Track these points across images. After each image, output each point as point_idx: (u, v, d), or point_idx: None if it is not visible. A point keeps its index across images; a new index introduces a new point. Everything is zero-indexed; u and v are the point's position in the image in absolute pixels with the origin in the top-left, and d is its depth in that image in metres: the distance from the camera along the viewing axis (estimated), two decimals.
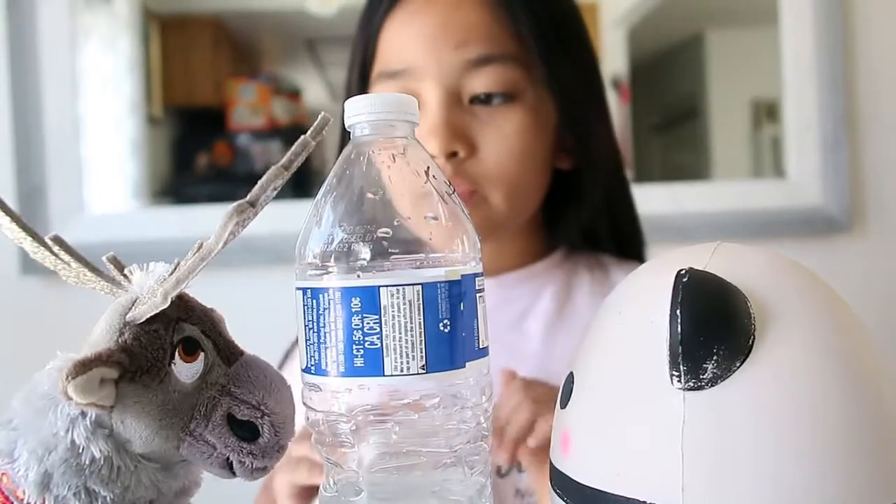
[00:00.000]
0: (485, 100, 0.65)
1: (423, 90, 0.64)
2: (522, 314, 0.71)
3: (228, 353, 0.35)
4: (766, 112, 1.38)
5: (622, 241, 0.76)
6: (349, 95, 0.69)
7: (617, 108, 1.36)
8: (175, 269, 0.33)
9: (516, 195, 0.67)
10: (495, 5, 0.66)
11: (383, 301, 0.34)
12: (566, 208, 0.74)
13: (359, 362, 0.34)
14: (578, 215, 0.73)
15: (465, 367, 0.36)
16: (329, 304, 0.35)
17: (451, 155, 0.63)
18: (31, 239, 0.35)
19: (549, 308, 0.71)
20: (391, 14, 0.67)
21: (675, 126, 1.42)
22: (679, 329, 0.31)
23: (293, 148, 0.33)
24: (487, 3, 0.66)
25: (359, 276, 0.35)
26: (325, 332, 0.35)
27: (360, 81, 0.69)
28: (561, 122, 0.69)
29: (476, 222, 0.64)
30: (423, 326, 0.34)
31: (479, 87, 0.64)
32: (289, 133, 1.38)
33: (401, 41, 0.66)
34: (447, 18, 0.65)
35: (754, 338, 0.31)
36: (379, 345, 0.34)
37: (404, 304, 0.34)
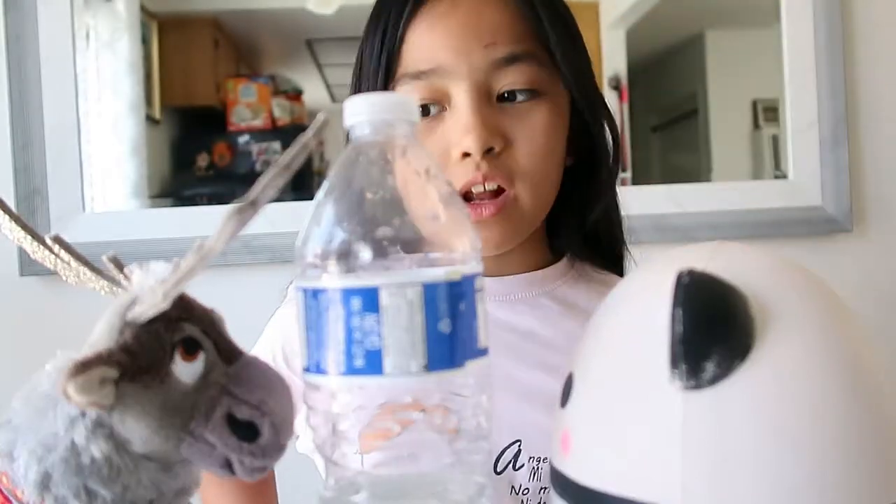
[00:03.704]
0: (512, 97, 0.66)
1: (452, 88, 0.65)
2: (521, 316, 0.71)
3: (228, 353, 0.35)
4: (766, 112, 1.38)
5: (610, 249, 0.77)
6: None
7: (616, 108, 1.36)
8: (175, 269, 0.33)
9: (542, 191, 0.68)
10: (517, 4, 0.67)
11: (383, 301, 0.34)
12: (566, 216, 0.74)
13: (359, 362, 0.34)
14: (582, 218, 0.73)
15: (465, 366, 0.36)
16: (329, 303, 0.35)
17: (488, 151, 0.64)
18: (31, 239, 0.35)
19: (546, 314, 0.71)
20: (415, 19, 0.67)
21: (675, 126, 1.42)
22: (679, 329, 0.31)
23: (292, 147, 0.33)
24: (510, 2, 0.67)
25: (359, 276, 0.35)
26: (325, 332, 0.35)
27: (383, 87, 0.69)
28: (573, 122, 0.70)
29: (506, 229, 0.66)
30: (423, 326, 0.34)
31: (507, 84, 0.66)
32: (289, 133, 1.38)
33: (428, 44, 0.67)
34: (474, 19, 0.66)
35: (754, 338, 0.31)
36: (379, 345, 0.34)
37: (404, 304, 0.34)
